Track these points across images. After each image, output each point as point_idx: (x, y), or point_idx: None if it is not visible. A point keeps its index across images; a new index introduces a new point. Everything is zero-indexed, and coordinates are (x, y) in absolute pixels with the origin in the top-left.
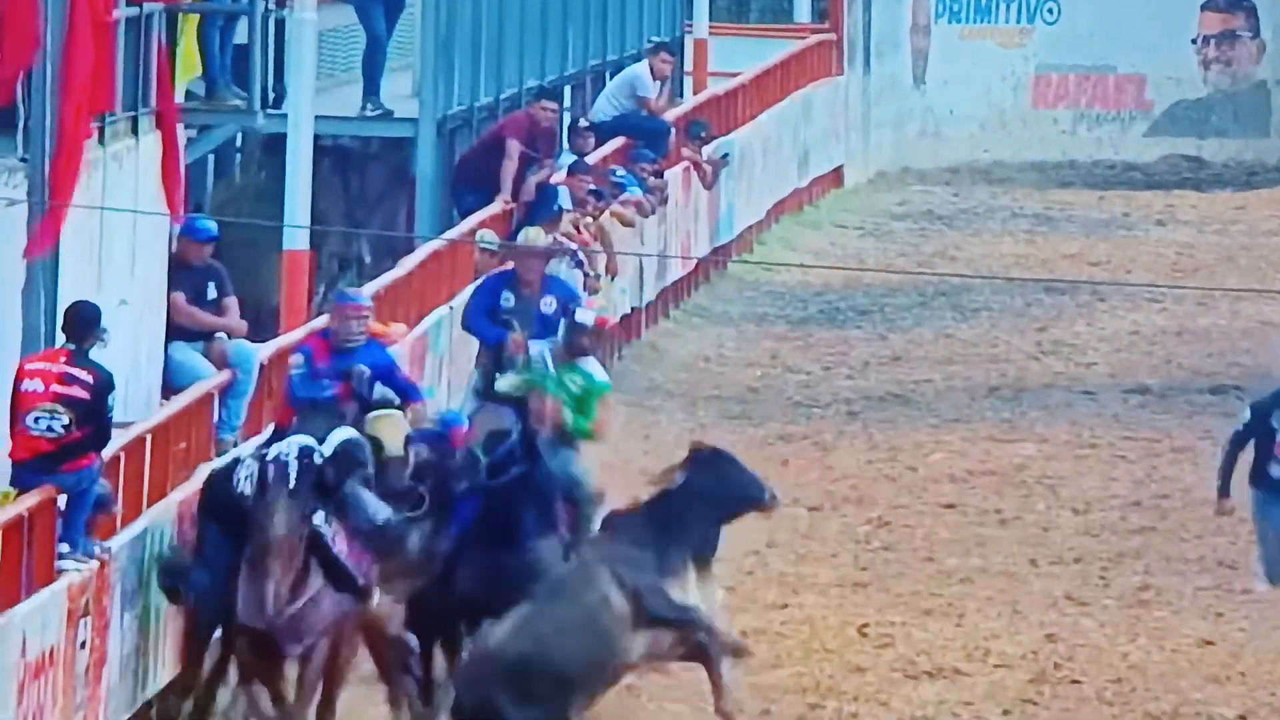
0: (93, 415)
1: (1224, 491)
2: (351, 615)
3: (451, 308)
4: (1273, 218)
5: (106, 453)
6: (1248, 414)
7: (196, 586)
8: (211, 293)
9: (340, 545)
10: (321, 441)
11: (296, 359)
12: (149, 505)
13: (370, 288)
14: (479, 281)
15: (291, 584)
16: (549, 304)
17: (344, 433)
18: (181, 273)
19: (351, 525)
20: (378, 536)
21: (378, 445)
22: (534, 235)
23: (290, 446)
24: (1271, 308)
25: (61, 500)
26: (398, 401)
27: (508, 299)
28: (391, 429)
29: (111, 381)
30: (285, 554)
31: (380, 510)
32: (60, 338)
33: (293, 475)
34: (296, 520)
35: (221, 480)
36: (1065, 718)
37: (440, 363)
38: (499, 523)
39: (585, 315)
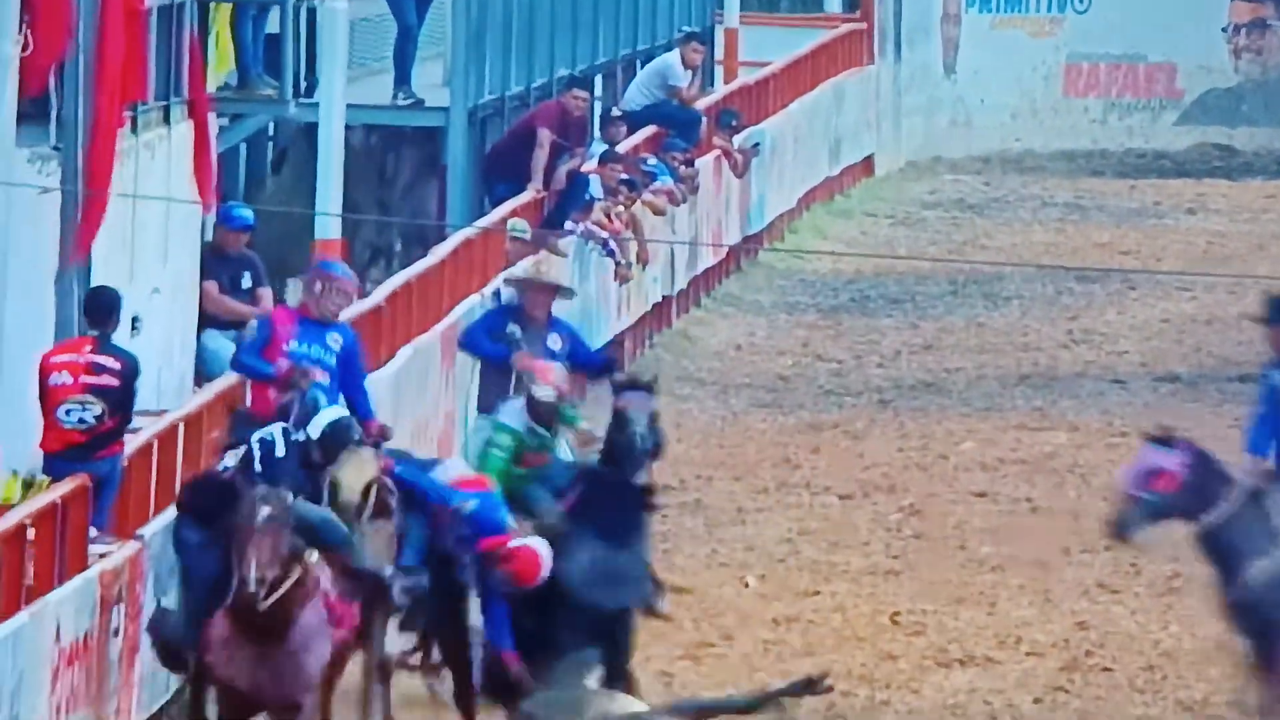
0: (124, 402)
1: None
2: (334, 667)
3: (483, 295)
4: None
5: (138, 440)
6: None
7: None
8: (247, 282)
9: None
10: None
11: (251, 325)
12: None
13: (402, 276)
14: (484, 311)
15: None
16: (555, 341)
17: (332, 412)
18: (218, 261)
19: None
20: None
21: (334, 489)
22: (544, 271)
23: (276, 429)
24: None
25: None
26: (359, 436)
27: (513, 331)
28: (355, 472)
29: (138, 366)
30: (269, 541)
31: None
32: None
33: (278, 454)
34: (281, 507)
35: (203, 478)
36: (1097, 705)
37: None
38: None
39: (544, 391)
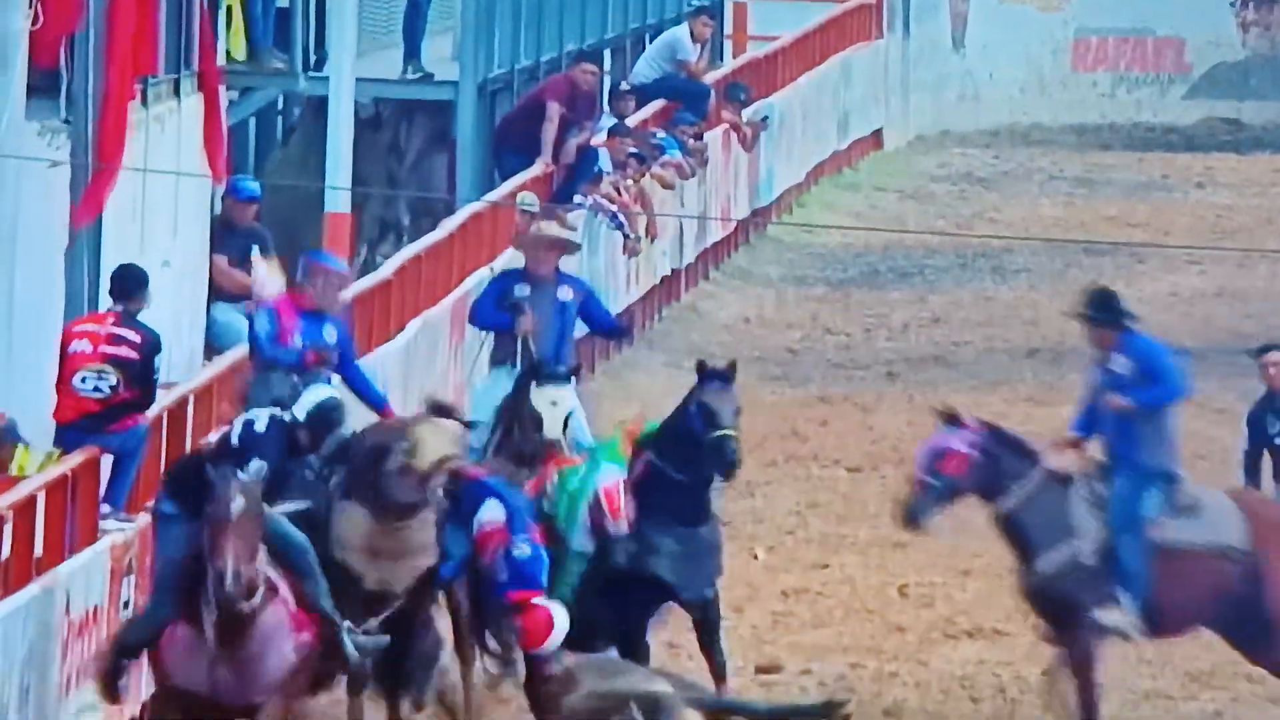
0: (141, 376)
1: None
2: (299, 675)
3: (492, 269)
4: None
5: (148, 413)
6: (1246, 430)
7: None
8: (256, 255)
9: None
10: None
11: (260, 318)
12: None
13: (411, 249)
14: (491, 279)
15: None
16: (565, 293)
17: (319, 392)
18: (226, 234)
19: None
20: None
21: (412, 449)
22: (545, 227)
23: (264, 412)
24: None
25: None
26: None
27: (522, 289)
28: (435, 438)
29: (159, 342)
30: (245, 536)
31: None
32: (105, 299)
33: (258, 429)
34: (258, 495)
35: (188, 461)
36: (1105, 678)
37: None
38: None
39: (617, 528)
